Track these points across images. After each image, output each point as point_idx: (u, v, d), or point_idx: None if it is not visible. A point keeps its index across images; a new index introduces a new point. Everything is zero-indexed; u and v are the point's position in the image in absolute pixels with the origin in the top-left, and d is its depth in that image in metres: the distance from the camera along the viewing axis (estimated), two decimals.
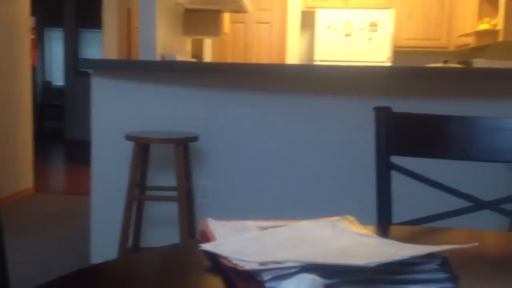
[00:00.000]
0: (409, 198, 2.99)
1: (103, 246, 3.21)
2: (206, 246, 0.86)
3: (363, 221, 0.99)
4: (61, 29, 9.70)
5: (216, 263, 0.81)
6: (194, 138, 2.79)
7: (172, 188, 2.91)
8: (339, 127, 3.14)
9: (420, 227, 1.12)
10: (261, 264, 0.74)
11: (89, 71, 3.20)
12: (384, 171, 1.24)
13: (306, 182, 3.17)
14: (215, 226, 0.97)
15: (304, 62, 7.18)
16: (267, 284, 0.71)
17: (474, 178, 3.05)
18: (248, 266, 0.74)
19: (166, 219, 3.22)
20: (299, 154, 3.16)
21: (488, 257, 0.90)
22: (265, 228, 0.96)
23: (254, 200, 3.19)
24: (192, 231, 2.97)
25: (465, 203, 1.25)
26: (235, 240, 0.90)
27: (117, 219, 3.15)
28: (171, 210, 3.20)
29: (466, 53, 6.69)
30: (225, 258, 0.80)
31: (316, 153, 3.16)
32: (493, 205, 1.22)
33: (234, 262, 0.77)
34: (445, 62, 5.03)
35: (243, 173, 3.18)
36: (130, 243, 2.93)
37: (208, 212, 3.19)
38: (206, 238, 0.92)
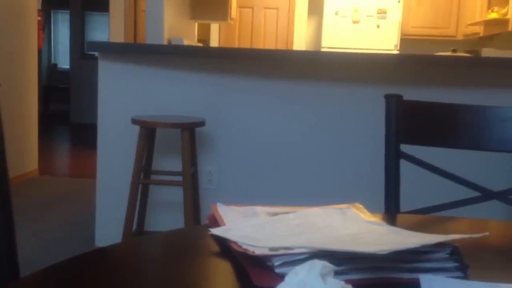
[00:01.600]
0: (417, 186, 2.99)
1: (108, 229, 3.22)
2: (215, 231, 0.86)
3: (370, 209, 0.99)
4: (68, 11, 9.68)
5: (225, 248, 0.81)
6: (201, 123, 2.79)
7: (178, 173, 2.92)
8: (347, 114, 3.13)
9: (428, 216, 1.12)
10: (272, 249, 0.74)
11: (96, 54, 3.19)
12: (393, 159, 1.23)
13: (313, 168, 3.17)
14: (224, 211, 0.97)
15: (311, 48, 7.14)
16: (277, 270, 0.71)
17: (483, 167, 3.04)
18: (258, 252, 0.74)
19: (171, 204, 3.23)
20: (306, 140, 3.16)
21: (497, 247, 0.90)
22: (275, 214, 0.96)
23: (259, 186, 3.19)
24: (196, 216, 2.98)
25: (473, 193, 1.25)
26: (244, 225, 0.90)
27: (122, 203, 3.15)
28: (176, 194, 3.20)
29: (474, 42, 6.64)
30: (235, 243, 0.80)
31: (323, 140, 3.15)
32: (502, 195, 1.22)
33: (244, 247, 0.77)
34: (454, 51, 5.00)
35: (249, 159, 3.18)
36: (134, 226, 2.94)
37: (213, 198, 3.20)
38: (215, 222, 0.92)
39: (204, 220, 3.10)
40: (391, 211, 1.23)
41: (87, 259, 0.77)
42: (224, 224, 0.90)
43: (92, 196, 4.31)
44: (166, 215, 3.24)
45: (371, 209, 0.99)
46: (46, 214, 3.99)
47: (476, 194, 1.24)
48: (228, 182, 3.21)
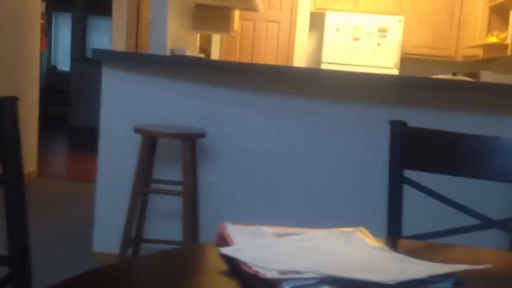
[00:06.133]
0: (418, 211, 3.00)
1: (106, 235, 3.23)
2: (225, 251, 0.88)
3: (372, 232, 1.01)
4: (70, 14, 9.71)
5: (234, 267, 0.83)
6: (202, 135, 2.81)
7: (177, 183, 2.94)
8: (347, 133, 3.16)
9: (428, 243, 1.15)
10: (281, 272, 0.77)
11: (100, 59, 3.21)
12: (397, 184, 1.26)
13: (313, 183, 3.19)
14: (232, 230, 0.99)
15: (311, 63, 7.19)
16: None
17: (484, 196, 3.07)
18: (269, 275, 0.76)
19: (169, 213, 3.25)
20: (305, 157, 3.19)
21: (498, 277, 0.93)
22: (281, 235, 0.98)
23: (258, 199, 3.22)
24: (195, 226, 3.00)
25: (473, 220, 1.28)
26: (253, 245, 0.92)
27: (121, 210, 3.17)
28: (174, 204, 3.22)
29: (473, 65, 6.71)
30: (245, 263, 0.82)
31: (322, 157, 3.18)
32: (501, 224, 1.24)
33: (254, 268, 0.79)
34: (454, 74, 5.05)
35: (248, 172, 3.21)
36: (133, 234, 2.95)
37: (211, 209, 3.22)
38: (224, 241, 0.95)
39: (202, 231, 3.11)
40: (393, 236, 1.26)
41: (92, 277, 0.79)
42: (233, 244, 0.92)
43: (90, 200, 4.32)
44: (164, 224, 3.25)
45: (373, 232, 1.02)
46: (43, 217, 3.99)
47: (476, 221, 1.27)
48: (227, 194, 3.23)
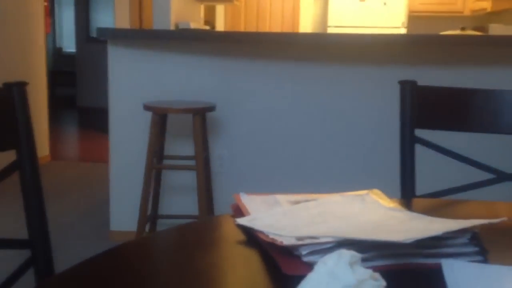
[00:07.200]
0: (431, 169, 3.00)
1: (123, 214, 3.27)
2: (241, 221, 0.89)
3: (386, 193, 1.01)
4: None
5: (251, 237, 0.84)
6: (212, 108, 2.81)
7: (190, 157, 2.95)
8: (357, 96, 3.15)
9: (444, 200, 1.15)
10: (298, 239, 0.77)
11: (105, 38, 3.20)
12: (408, 144, 1.26)
13: (324, 152, 3.19)
14: (247, 200, 1.00)
15: (317, 28, 7.11)
16: (304, 259, 0.74)
17: (496, 150, 3.05)
18: (286, 242, 0.77)
19: (183, 188, 3.27)
20: (316, 123, 3.18)
21: None
22: (296, 202, 0.98)
23: (270, 169, 3.23)
24: (209, 199, 3.02)
25: (486, 176, 1.28)
26: (268, 214, 0.93)
27: (136, 187, 3.19)
28: (187, 178, 3.24)
29: (482, 18, 6.59)
30: (261, 232, 0.83)
31: (333, 123, 3.17)
32: None
33: (271, 236, 0.80)
34: (463, 29, 4.97)
35: (259, 142, 3.21)
36: (149, 211, 2.99)
37: (224, 181, 3.24)
38: (240, 212, 0.95)
39: (217, 203, 3.14)
40: (407, 196, 1.26)
41: (114, 252, 0.80)
42: (248, 214, 0.93)
43: (104, 180, 4.36)
44: (179, 199, 3.28)
45: (386, 192, 1.02)
46: (60, 200, 4.04)
47: (490, 176, 1.26)
48: (238, 166, 3.24)
